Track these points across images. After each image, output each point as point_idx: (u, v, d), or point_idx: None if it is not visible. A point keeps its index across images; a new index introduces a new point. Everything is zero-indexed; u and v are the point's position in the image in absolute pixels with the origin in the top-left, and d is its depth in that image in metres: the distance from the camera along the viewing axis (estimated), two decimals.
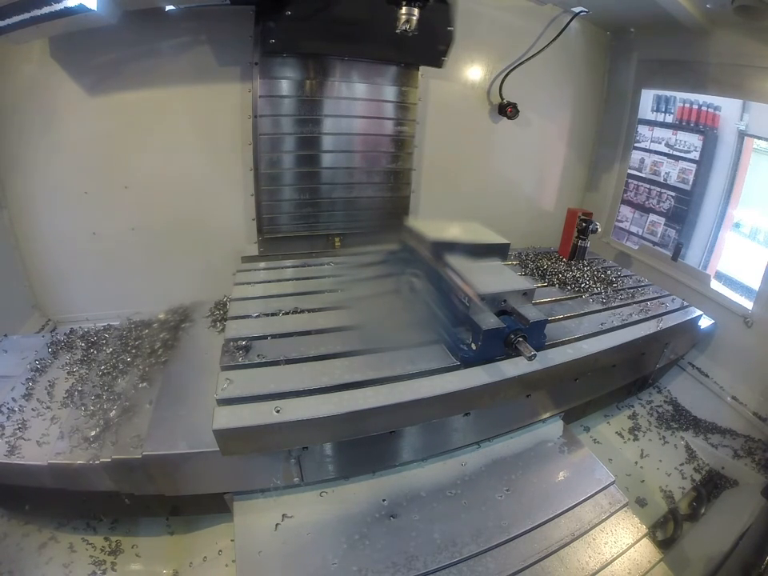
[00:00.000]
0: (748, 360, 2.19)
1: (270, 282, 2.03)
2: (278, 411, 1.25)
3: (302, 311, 1.75)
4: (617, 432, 2.14)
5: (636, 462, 1.99)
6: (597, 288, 2.25)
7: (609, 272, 2.48)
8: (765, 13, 1.88)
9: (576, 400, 1.95)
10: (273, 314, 1.72)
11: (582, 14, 2.53)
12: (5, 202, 2.16)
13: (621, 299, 2.16)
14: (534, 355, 1.38)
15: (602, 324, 1.89)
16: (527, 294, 1.58)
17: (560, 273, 2.39)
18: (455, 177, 2.80)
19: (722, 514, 1.77)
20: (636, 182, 3.05)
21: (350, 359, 1.47)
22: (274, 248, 2.48)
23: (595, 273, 2.45)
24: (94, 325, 2.09)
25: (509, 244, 1.79)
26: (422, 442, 1.60)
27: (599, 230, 2.60)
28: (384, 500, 1.48)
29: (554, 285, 2.27)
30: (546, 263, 2.53)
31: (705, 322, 2.28)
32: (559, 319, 1.89)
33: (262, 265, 2.23)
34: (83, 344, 1.93)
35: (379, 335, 1.57)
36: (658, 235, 2.96)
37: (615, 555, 1.39)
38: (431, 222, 1.92)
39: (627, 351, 1.84)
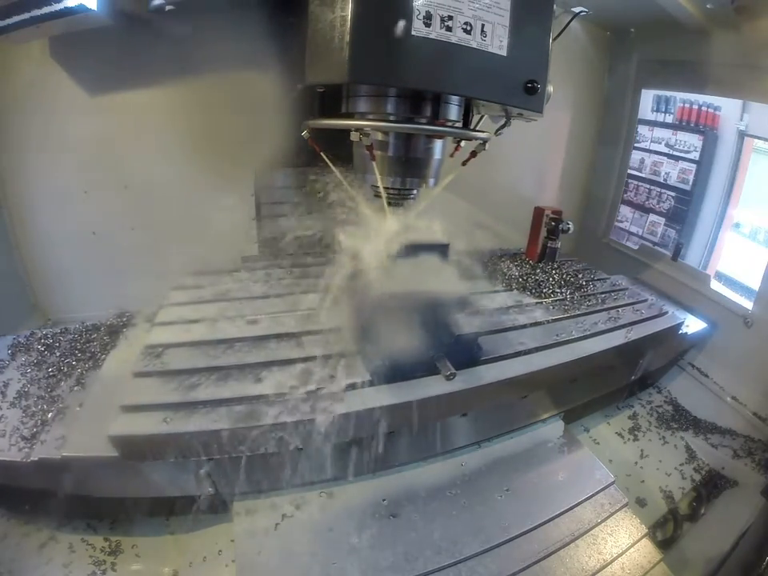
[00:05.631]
0: (748, 360, 2.18)
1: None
2: (167, 422, 1.24)
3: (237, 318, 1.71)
4: (617, 432, 2.14)
5: (636, 462, 1.99)
6: (562, 293, 2.09)
7: (580, 275, 2.33)
8: (765, 13, 1.88)
9: (573, 402, 1.94)
10: (195, 321, 1.68)
11: (582, 14, 2.53)
12: (5, 202, 2.15)
13: (588, 305, 2.03)
14: (454, 374, 1.29)
15: (556, 336, 1.72)
16: (461, 303, 1.46)
17: (522, 276, 2.24)
18: (454, 177, 2.79)
19: (722, 514, 1.77)
20: (636, 182, 3.05)
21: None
22: (273, 248, 2.48)
23: (564, 276, 2.30)
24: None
25: (448, 244, 1.60)
26: (422, 441, 1.59)
27: (571, 229, 2.46)
28: (384, 500, 1.48)
29: (512, 289, 2.12)
30: (509, 265, 2.39)
31: (700, 324, 2.27)
32: (505, 330, 1.74)
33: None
34: (41, 347, 1.93)
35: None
36: (658, 235, 2.96)
37: (615, 555, 1.39)
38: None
39: (585, 365, 1.68)
